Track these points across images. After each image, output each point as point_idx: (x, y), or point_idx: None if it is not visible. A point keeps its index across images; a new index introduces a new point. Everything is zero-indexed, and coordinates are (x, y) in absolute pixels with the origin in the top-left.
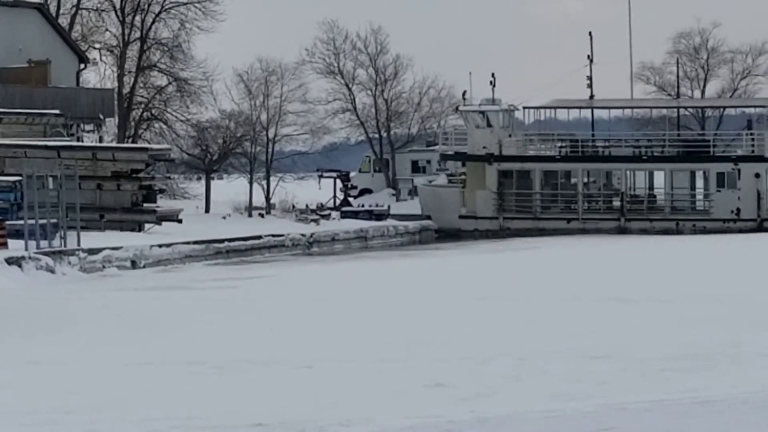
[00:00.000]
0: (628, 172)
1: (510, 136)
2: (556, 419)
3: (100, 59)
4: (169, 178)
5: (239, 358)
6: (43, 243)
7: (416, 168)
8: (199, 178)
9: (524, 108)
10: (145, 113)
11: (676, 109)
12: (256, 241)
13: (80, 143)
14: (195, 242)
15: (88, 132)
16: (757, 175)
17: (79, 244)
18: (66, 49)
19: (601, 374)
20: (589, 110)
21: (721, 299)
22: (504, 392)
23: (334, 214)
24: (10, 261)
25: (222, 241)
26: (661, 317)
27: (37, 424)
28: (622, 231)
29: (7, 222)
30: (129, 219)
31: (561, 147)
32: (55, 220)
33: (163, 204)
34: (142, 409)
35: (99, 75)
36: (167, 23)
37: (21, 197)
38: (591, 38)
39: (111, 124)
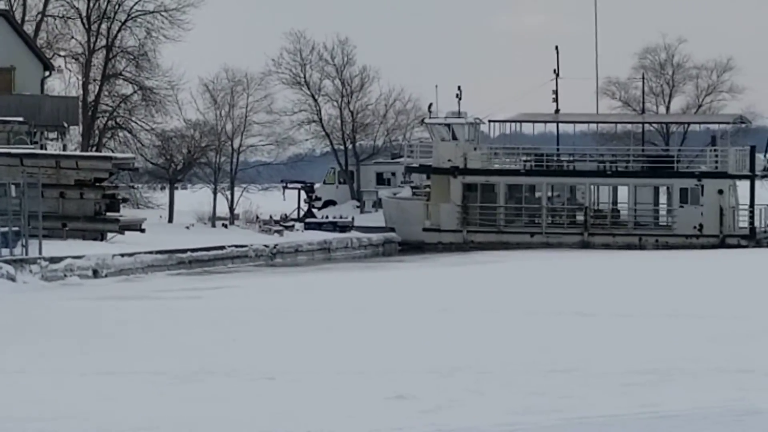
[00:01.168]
0: (592, 186)
1: (475, 149)
2: None
3: (65, 67)
4: (133, 187)
5: (201, 369)
6: (5, 251)
7: (381, 180)
8: (163, 188)
9: (490, 121)
10: (109, 122)
11: (640, 125)
12: (220, 252)
13: (43, 151)
14: (158, 252)
15: (51, 140)
16: (720, 192)
17: (40, 253)
18: (31, 56)
19: (562, 388)
20: (555, 124)
21: (680, 314)
22: (466, 405)
23: (298, 225)
24: None
25: (185, 251)
26: (622, 332)
27: None
28: (585, 245)
29: None
30: (91, 228)
31: (526, 161)
32: (17, 228)
33: (126, 213)
34: (102, 419)
35: (64, 82)
36: (133, 31)
37: None
38: (557, 52)
39: (75, 132)
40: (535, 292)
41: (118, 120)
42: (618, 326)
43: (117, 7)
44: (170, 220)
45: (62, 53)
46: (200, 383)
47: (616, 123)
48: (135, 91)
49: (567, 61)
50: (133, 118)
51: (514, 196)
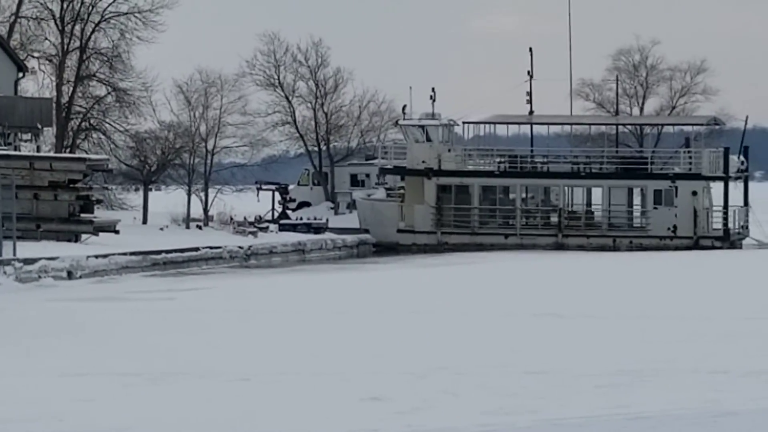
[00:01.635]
0: (566, 188)
1: (449, 150)
2: None
3: (39, 68)
4: (107, 188)
5: (175, 371)
6: None
7: (355, 181)
8: (137, 189)
9: (464, 123)
10: (83, 123)
11: (614, 126)
12: (194, 253)
13: (17, 152)
14: (132, 253)
15: (25, 141)
16: (694, 193)
17: (15, 254)
18: (4, 57)
19: (536, 389)
20: (529, 126)
21: (655, 316)
22: (440, 406)
23: (272, 226)
24: None
25: (159, 252)
26: (597, 333)
27: None
28: (560, 247)
29: None
30: (66, 229)
31: (500, 162)
32: None
33: (100, 214)
34: (76, 420)
35: (37, 84)
36: (107, 33)
37: None
38: (531, 54)
39: (49, 133)
40: (510, 294)
41: (92, 121)
42: (593, 328)
43: (90, 8)
44: (144, 222)
45: (36, 54)
46: (175, 384)
47: (589, 125)
48: (109, 93)
49: (541, 62)
50: (107, 120)
51: (488, 197)
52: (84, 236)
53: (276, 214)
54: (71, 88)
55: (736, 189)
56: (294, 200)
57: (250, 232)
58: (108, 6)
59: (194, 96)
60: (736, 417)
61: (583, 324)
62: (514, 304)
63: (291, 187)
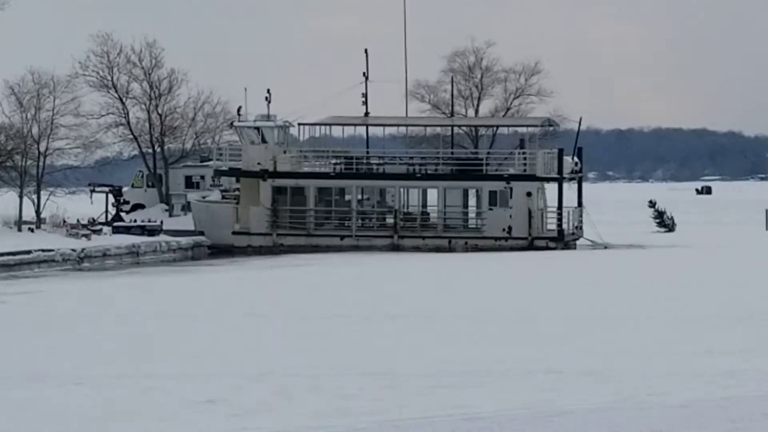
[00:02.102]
0: (401, 189)
1: (285, 152)
2: None
3: None
4: None
5: (3, 375)
6: None
7: (190, 183)
8: None
9: (299, 124)
10: None
11: (450, 128)
12: (26, 256)
13: None
14: None
15: None
16: (529, 194)
17: None
18: None
19: (372, 391)
20: (364, 127)
21: (489, 316)
22: (275, 409)
23: (106, 229)
24: None
25: None
26: (431, 334)
27: None
28: (395, 248)
29: None
30: None
31: (336, 164)
32: None
33: None
34: None
35: None
36: None
37: None
38: (367, 55)
39: None
40: (343, 296)
41: None
42: (427, 328)
43: None
44: None
45: None
46: (5, 390)
47: (425, 126)
48: None
49: (377, 64)
50: None
51: (324, 199)
52: None
53: (110, 217)
54: None
55: (570, 190)
56: (128, 202)
57: (84, 235)
58: None
59: (26, 97)
60: (570, 416)
61: (417, 324)
62: (349, 306)
63: (125, 189)
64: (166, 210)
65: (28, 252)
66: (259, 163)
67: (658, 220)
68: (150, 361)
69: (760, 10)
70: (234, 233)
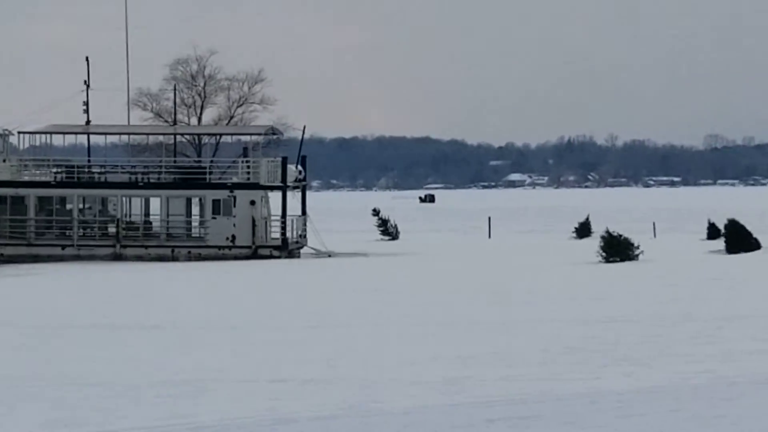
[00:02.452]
0: (123, 198)
1: (4, 161)
2: None
3: None
4: None
5: None
6: None
7: None
8: None
9: (19, 133)
10: None
11: (173, 136)
12: None
13: None
14: None
15: None
16: (253, 202)
17: None
18: None
19: (93, 401)
20: (86, 136)
21: (212, 326)
22: None
23: None
24: None
25: None
26: (153, 344)
27: None
28: (118, 257)
29: None
30: None
31: (56, 173)
32: None
33: None
34: None
35: None
36: None
37: None
38: (88, 63)
39: None
40: (68, 306)
41: None
42: (149, 338)
43: None
44: None
45: None
46: None
47: (147, 134)
48: None
49: (99, 72)
50: None
51: (44, 208)
52: None
53: None
54: None
55: (294, 198)
56: None
57: None
58: None
59: None
60: (294, 424)
61: (139, 334)
62: (72, 316)
63: None
64: None
65: None
66: None
67: (382, 228)
68: None
69: (477, 13)
70: None
